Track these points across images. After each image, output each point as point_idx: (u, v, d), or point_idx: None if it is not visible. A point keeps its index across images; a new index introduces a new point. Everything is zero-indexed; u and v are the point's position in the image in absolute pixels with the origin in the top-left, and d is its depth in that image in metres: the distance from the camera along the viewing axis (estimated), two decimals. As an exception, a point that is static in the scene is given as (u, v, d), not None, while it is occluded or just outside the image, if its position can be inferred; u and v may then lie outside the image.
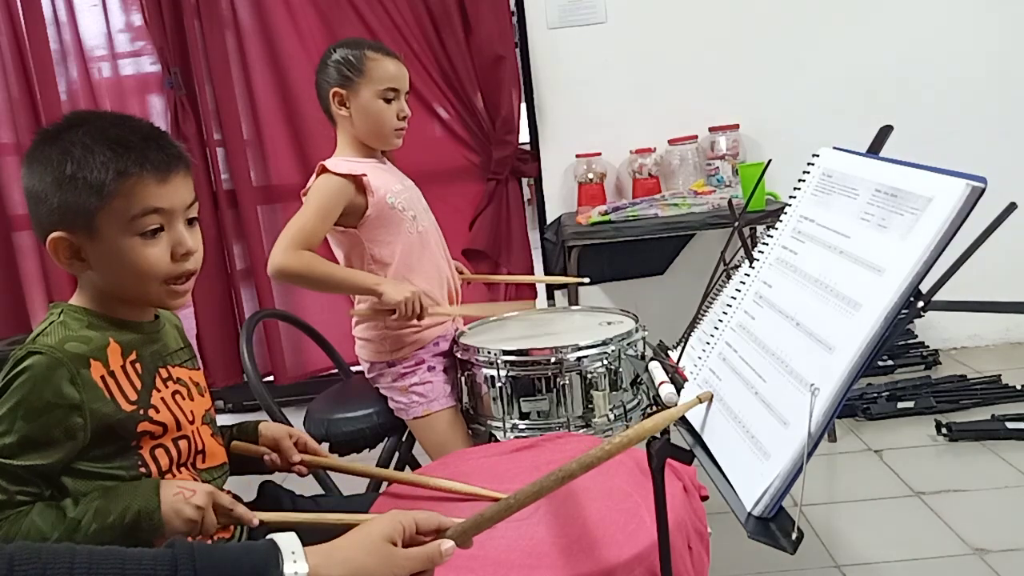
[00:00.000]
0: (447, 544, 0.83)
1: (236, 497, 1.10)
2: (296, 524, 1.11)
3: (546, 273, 3.31)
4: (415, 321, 1.75)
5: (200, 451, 1.12)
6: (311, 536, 0.82)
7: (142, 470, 1.04)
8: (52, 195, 1.00)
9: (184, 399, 1.12)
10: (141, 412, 1.04)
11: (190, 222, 1.08)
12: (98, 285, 1.06)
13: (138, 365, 1.07)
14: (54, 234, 1.01)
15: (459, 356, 1.80)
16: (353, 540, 0.81)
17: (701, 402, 1.01)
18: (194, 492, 1.00)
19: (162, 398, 1.08)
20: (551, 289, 3.29)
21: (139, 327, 1.10)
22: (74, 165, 0.99)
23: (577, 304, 2.70)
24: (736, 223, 1.22)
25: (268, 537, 0.79)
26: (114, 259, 1.02)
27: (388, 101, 1.82)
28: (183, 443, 1.09)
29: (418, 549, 0.83)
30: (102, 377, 1.01)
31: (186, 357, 1.18)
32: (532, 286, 3.28)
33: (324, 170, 1.77)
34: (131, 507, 0.97)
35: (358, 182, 1.76)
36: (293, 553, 0.77)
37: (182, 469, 1.09)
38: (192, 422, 1.12)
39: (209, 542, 1.09)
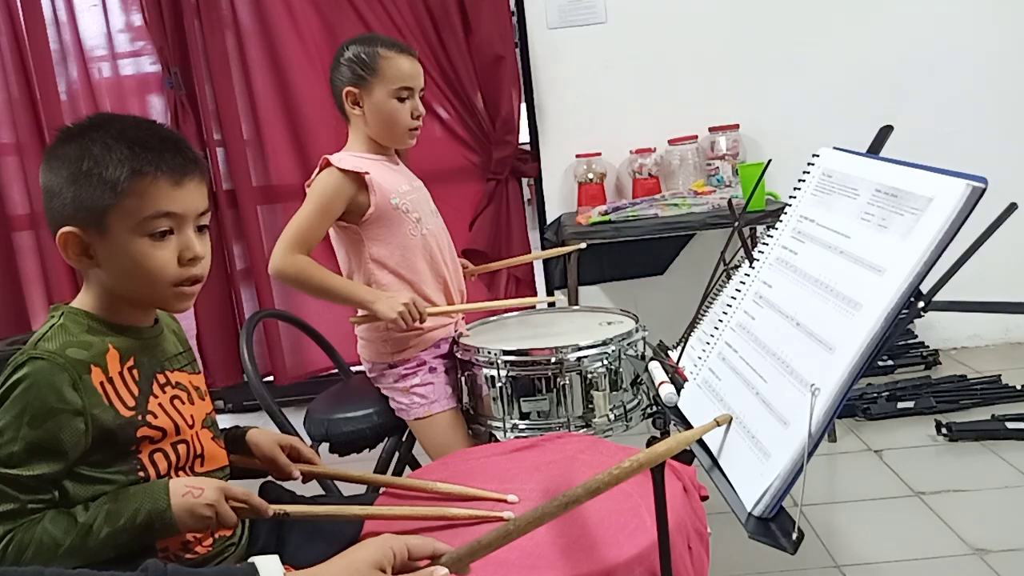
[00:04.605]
0: (440, 571, 0.82)
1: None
2: (308, 515, 1.11)
3: (546, 275, 3.32)
4: (417, 325, 1.75)
5: (199, 455, 1.11)
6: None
7: (140, 474, 1.03)
8: (67, 190, 1.01)
9: (184, 404, 1.11)
10: (139, 418, 1.04)
11: (200, 229, 1.07)
12: (104, 284, 1.06)
13: (135, 371, 1.06)
14: (64, 229, 1.01)
15: (459, 356, 1.80)
16: (338, 565, 0.80)
17: (719, 424, 0.98)
18: (203, 490, 1.00)
19: (160, 404, 1.07)
20: (551, 289, 3.29)
21: (138, 332, 1.09)
22: (91, 161, 1.00)
23: (577, 304, 2.70)
24: (736, 223, 1.22)
25: (249, 560, 0.78)
26: (122, 258, 1.02)
27: (402, 100, 1.80)
28: (182, 447, 1.08)
29: None
30: (101, 383, 1.01)
31: (186, 361, 1.17)
32: (532, 287, 3.28)
33: (327, 164, 1.75)
34: (141, 509, 0.97)
35: (360, 180, 1.75)
36: None
37: (180, 473, 1.08)
38: (192, 426, 1.11)
39: (208, 551, 1.09)
